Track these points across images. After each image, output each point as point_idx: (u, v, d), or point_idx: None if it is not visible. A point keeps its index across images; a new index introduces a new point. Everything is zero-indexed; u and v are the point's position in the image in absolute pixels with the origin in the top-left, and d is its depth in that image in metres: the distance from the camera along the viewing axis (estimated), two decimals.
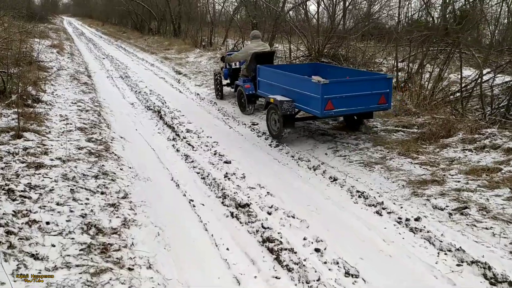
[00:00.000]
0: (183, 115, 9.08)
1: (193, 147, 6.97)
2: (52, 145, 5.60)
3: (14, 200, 3.83)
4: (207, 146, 7.07)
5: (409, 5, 18.62)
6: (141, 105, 10.13)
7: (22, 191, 4.03)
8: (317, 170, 6.15)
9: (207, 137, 7.59)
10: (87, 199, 4.13)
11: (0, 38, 11.34)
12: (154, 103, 10.10)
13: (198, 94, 11.58)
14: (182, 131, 7.80)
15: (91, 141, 6.11)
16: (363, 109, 6.96)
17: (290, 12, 15.76)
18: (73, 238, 3.34)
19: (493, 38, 12.25)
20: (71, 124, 6.84)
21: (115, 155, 5.87)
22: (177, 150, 6.85)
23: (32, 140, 5.62)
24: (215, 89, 10.90)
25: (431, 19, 19.84)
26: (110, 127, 7.40)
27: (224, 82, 10.77)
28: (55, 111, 7.56)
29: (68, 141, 5.89)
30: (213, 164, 6.21)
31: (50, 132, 6.20)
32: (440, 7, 18.98)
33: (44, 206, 3.81)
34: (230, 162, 6.29)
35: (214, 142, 7.27)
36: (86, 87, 10.58)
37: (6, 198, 3.81)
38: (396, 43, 10.31)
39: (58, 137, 6.07)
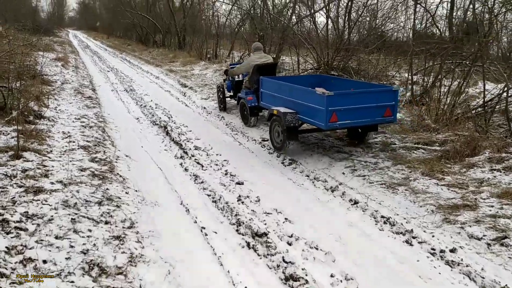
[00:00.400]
0: (190, 131, 8.66)
1: (202, 166, 6.54)
2: (53, 166, 5.17)
3: (8, 233, 3.40)
4: (217, 164, 6.63)
5: (415, 16, 18.33)
6: (147, 119, 9.72)
7: (18, 221, 3.60)
8: (336, 191, 5.71)
9: (217, 154, 7.16)
10: (90, 230, 3.69)
11: (3, 52, 11.02)
12: (160, 117, 9.69)
13: (204, 108, 11.18)
14: (190, 148, 7.37)
15: (94, 161, 5.68)
16: (368, 122, 6.75)
17: (298, 24, 15.38)
18: (72, 281, 2.90)
19: None
20: (74, 142, 6.42)
21: (120, 176, 5.44)
22: (186, 170, 6.42)
23: (32, 161, 5.20)
24: (218, 102, 10.83)
25: (438, 31, 19.56)
26: (114, 145, 6.98)
27: (228, 94, 10.64)
28: (57, 128, 7.15)
29: (71, 161, 5.46)
30: (224, 186, 5.77)
31: (51, 151, 5.78)
32: (446, 19, 18.75)
33: (42, 240, 3.37)
34: (242, 183, 5.85)
35: (224, 160, 6.84)
36: (90, 101, 10.19)
37: None
38: (411, 55, 9.88)
39: (60, 156, 5.65)
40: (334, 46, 13.32)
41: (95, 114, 8.84)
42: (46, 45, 18.88)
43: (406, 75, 12.55)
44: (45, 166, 5.13)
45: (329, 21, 14.40)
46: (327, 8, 13.73)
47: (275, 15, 16.05)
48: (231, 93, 10.52)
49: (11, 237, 3.33)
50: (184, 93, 13.39)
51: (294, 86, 7.20)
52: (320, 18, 21.58)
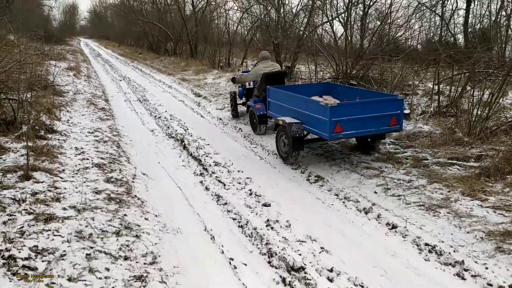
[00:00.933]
0: (208, 144, 8.21)
1: (224, 184, 6.06)
2: (65, 188, 4.72)
3: (15, 273, 2.94)
4: (239, 183, 6.16)
5: (431, 24, 17.86)
6: (162, 132, 9.28)
7: (26, 258, 3.15)
8: (370, 213, 5.22)
9: (238, 171, 6.69)
10: (107, 269, 3.22)
11: (14, 61, 10.67)
12: (176, 130, 9.25)
13: (220, 118, 10.73)
14: (209, 164, 6.90)
15: (110, 181, 5.22)
16: (374, 131, 6.63)
17: (315, 32, 14.90)
18: None
19: None
20: (87, 159, 5.98)
21: (138, 199, 4.98)
22: (207, 189, 5.95)
23: (42, 182, 4.76)
24: (231, 108, 10.79)
25: (452, 38, 19.02)
26: (130, 161, 6.54)
27: (240, 101, 10.65)
28: (70, 143, 6.72)
29: (84, 182, 5.01)
30: (250, 208, 5.29)
31: (64, 170, 5.33)
32: (461, 26, 18.22)
33: (53, 283, 2.91)
34: (269, 205, 5.37)
35: (247, 178, 6.37)
36: (103, 113, 9.77)
37: (5, 271, 2.92)
38: (438, 65, 9.36)
39: (72, 176, 5.20)
40: (353, 54, 12.85)
41: (109, 127, 8.42)
42: (58, 54, 18.56)
43: (430, 84, 12.04)
44: (56, 188, 4.69)
45: (347, 28, 13.93)
46: (347, 13, 13.24)
47: (291, 22, 15.57)
48: (244, 100, 10.47)
49: (18, 280, 2.87)
50: (199, 103, 12.95)
51: (299, 96, 7.10)
52: (338, 26, 21.00)
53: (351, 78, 12.68)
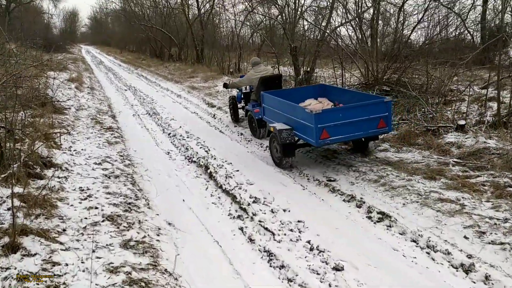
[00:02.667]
0: (237, 170, 6.78)
1: (273, 234, 4.62)
2: (67, 265, 3.29)
3: None
4: (291, 230, 4.73)
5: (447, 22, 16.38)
6: (180, 154, 7.86)
7: None
8: (471, 272, 3.89)
9: (284, 210, 5.25)
10: None
11: (9, 75, 9.32)
12: (197, 152, 7.80)
13: (242, 134, 9.31)
14: (247, 202, 5.45)
15: (129, 246, 3.78)
16: (362, 135, 6.53)
17: (338, 32, 13.43)
18: None
19: None
20: (96, 207, 4.54)
21: (170, 275, 3.53)
22: (251, 240, 4.52)
23: (35, 255, 3.33)
24: (230, 113, 10.62)
25: (469, 37, 17.58)
26: (150, 204, 5.10)
27: (240, 105, 10.39)
28: (73, 181, 5.29)
29: (94, 250, 3.58)
30: (317, 274, 3.86)
31: (65, 230, 3.89)
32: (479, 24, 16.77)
33: None
34: (342, 269, 3.93)
35: (298, 221, 4.93)
36: (111, 134, 8.32)
37: None
38: (499, 68, 7.89)
39: (77, 240, 3.76)
40: (384, 56, 11.43)
41: (119, 153, 6.97)
42: (58, 63, 17.13)
43: (476, 88, 10.60)
44: (54, 264, 3.25)
45: (375, 26, 12.49)
46: (376, 8, 11.78)
47: (313, 23, 14.08)
48: (243, 104, 10.20)
49: None
50: (214, 115, 11.53)
51: (288, 102, 7.01)
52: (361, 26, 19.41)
53: (383, 83, 11.27)
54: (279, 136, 6.57)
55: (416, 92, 9.80)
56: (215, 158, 7.47)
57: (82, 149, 6.63)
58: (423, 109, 8.70)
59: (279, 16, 16.44)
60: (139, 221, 4.37)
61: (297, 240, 4.49)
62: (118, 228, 4.09)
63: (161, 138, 9.13)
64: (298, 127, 6.58)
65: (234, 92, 10.95)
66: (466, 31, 15.94)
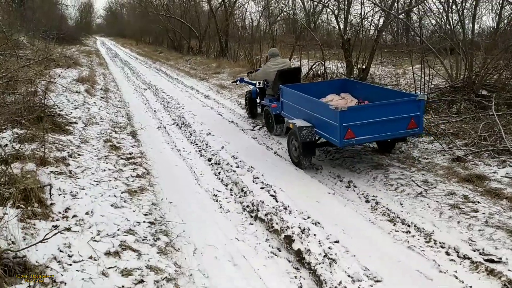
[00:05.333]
0: (346, 249, 4.04)
1: None
2: None
3: None
4: None
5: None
6: (233, 200, 5.19)
7: None
8: None
9: None
10: None
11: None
12: (261, 201, 5.02)
13: (318, 167, 6.56)
14: None
15: None
16: (390, 136, 5.74)
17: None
18: None
19: None
20: None
21: None
22: None
23: None
24: (246, 107, 9.82)
25: None
26: None
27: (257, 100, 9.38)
28: None
29: None
30: None
31: None
32: None
33: None
34: None
35: None
36: (133, 170, 5.45)
37: None
38: None
39: None
40: (486, 50, 8.56)
41: (147, 218, 4.09)
42: (68, 57, 14.41)
43: None
44: None
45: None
46: None
47: (379, 5, 11.08)
48: (258, 100, 9.29)
49: None
50: (258, 126, 8.81)
51: (309, 97, 6.33)
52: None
53: (482, 87, 8.44)
54: (299, 134, 5.94)
55: None
56: (290, 212, 4.74)
57: (86, 213, 3.84)
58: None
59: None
60: None
61: None
62: None
63: (200, 167, 6.40)
64: (319, 125, 5.90)
65: (251, 86, 9.73)
66: None
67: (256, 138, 8.07)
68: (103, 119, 8.06)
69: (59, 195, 4.09)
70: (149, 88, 14.77)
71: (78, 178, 4.76)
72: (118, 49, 40.29)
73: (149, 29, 37.53)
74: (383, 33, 11.60)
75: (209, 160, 6.74)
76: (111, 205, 4.11)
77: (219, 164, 6.45)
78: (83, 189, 4.46)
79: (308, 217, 4.64)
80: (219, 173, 6.14)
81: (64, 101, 8.49)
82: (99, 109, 8.92)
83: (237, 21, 22.26)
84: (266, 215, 4.65)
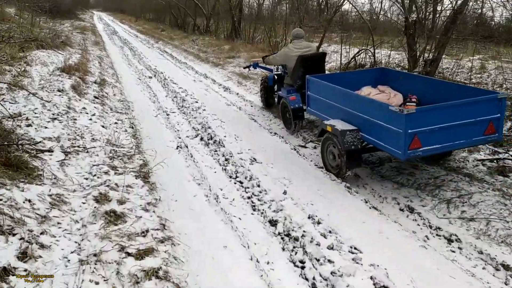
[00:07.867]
0: None
1: None
2: None
3: None
4: None
5: None
6: None
7: None
8: None
9: None
10: None
11: None
12: None
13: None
14: None
15: None
16: (464, 144, 4.45)
17: None
18: None
19: None
20: None
21: None
22: None
23: None
24: (261, 97, 8.22)
25: None
26: None
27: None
28: None
29: None
30: None
31: None
32: None
33: None
34: None
35: None
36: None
37: None
38: None
39: None
40: None
41: None
42: (55, 35, 11.26)
43: None
44: None
45: None
46: None
47: None
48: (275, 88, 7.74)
49: None
50: (298, 134, 6.00)
51: (354, 94, 5.12)
52: None
53: None
54: (342, 140, 4.58)
55: None
56: None
57: None
58: None
59: None
60: None
61: None
62: None
63: (264, 246, 3.54)
64: (368, 129, 4.54)
65: (268, 73, 8.18)
66: None
67: (304, 155, 5.24)
68: (96, 140, 5.06)
69: None
70: (155, 76, 11.74)
71: None
72: (116, 25, 36.72)
73: (151, 5, 34.05)
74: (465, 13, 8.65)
75: (273, 224, 3.87)
76: None
77: (296, 240, 3.59)
78: None
79: None
80: (303, 266, 3.28)
81: (37, 106, 5.48)
82: (90, 119, 5.84)
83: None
84: None
